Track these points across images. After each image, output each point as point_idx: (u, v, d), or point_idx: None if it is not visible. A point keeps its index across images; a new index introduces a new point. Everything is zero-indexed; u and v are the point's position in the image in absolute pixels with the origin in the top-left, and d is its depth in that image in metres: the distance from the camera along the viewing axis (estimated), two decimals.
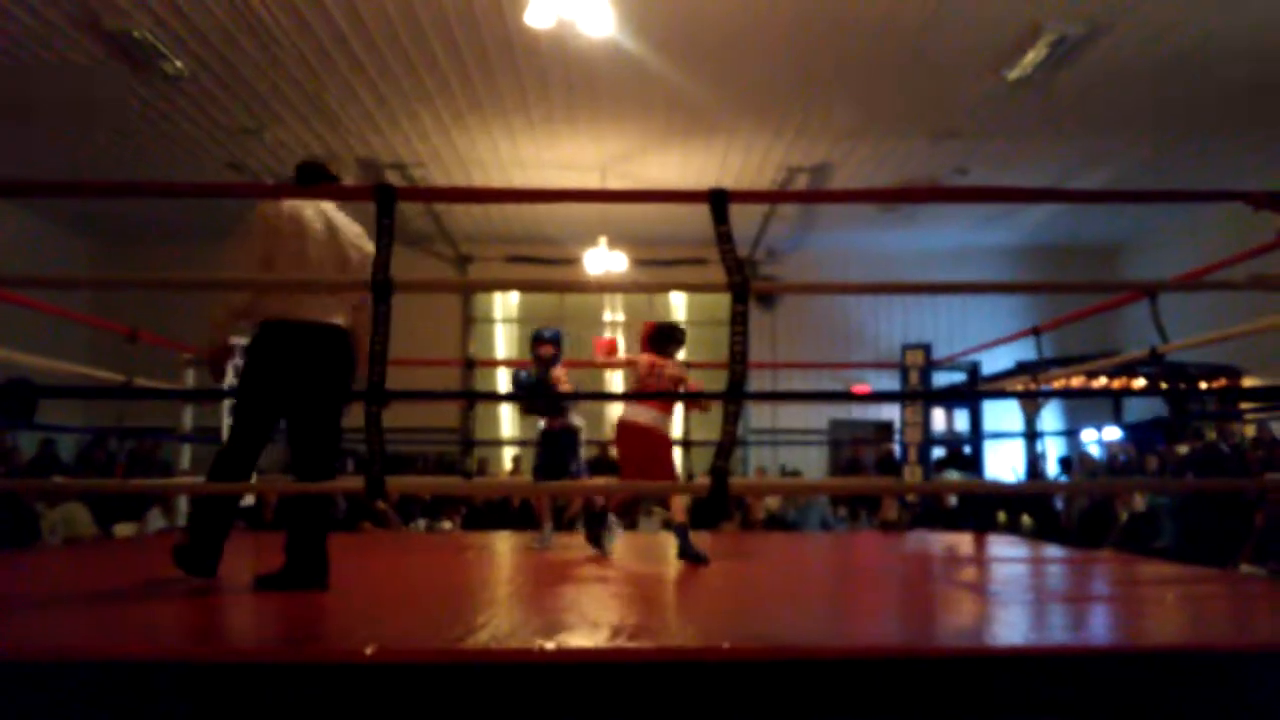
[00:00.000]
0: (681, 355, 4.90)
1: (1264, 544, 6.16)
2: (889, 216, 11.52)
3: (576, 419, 5.23)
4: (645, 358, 4.74)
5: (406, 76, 7.88)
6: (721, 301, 2.80)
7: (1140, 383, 10.12)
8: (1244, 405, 9.77)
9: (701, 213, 2.82)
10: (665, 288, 12.14)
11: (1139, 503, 7.53)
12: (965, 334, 11.98)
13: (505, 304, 13.46)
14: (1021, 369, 9.61)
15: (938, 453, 9.43)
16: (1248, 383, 10.17)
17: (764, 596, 3.43)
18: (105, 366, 6.09)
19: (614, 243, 10.69)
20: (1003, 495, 8.90)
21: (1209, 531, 6.71)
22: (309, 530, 3.25)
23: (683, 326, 5.00)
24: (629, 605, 2.96)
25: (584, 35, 6.65)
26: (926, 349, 6.64)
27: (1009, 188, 9.90)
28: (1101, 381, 10.49)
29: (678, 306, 13.40)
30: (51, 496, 7.60)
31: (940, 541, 5.83)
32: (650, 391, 4.64)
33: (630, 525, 9.44)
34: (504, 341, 13.40)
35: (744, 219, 10.69)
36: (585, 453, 5.42)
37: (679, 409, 6.53)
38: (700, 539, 5.98)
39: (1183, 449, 8.29)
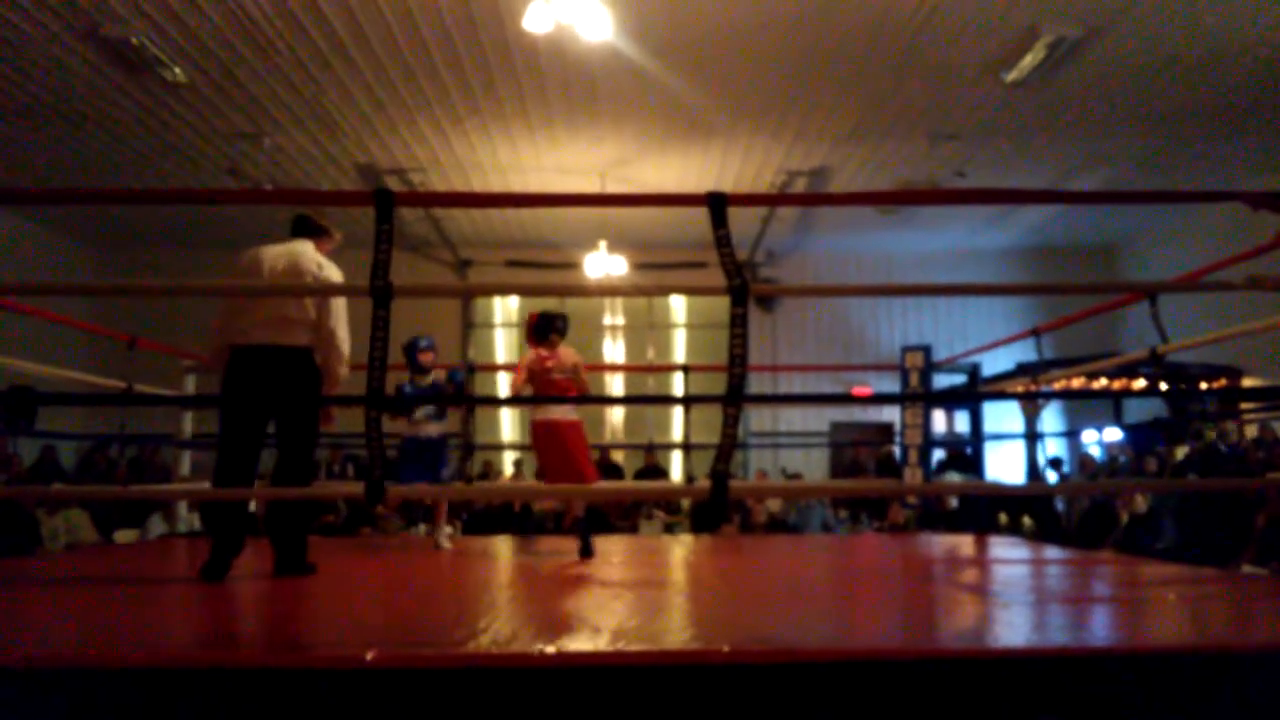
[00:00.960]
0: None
1: (1265, 545, 6.16)
2: (888, 219, 11.53)
3: (439, 427, 5.27)
4: (530, 354, 4.74)
5: (405, 82, 7.89)
6: (721, 304, 2.80)
7: (1140, 383, 10.12)
8: (1244, 405, 9.76)
9: (701, 216, 2.83)
10: (665, 291, 12.15)
11: (1140, 504, 7.53)
12: (965, 335, 12.01)
13: (505, 308, 13.46)
14: (1021, 370, 9.62)
15: (938, 454, 9.44)
16: (1248, 383, 10.18)
17: (764, 599, 3.43)
18: (106, 373, 6.10)
19: (613, 246, 10.70)
20: (1003, 497, 8.90)
21: (1210, 532, 6.70)
22: (288, 529, 3.71)
23: (564, 314, 4.92)
24: (629, 608, 2.95)
25: (582, 40, 6.67)
26: (926, 351, 6.64)
27: (1007, 189, 9.90)
28: (1102, 382, 10.49)
29: (677, 309, 13.42)
30: (52, 503, 7.60)
31: (941, 543, 5.83)
32: (548, 384, 4.69)
33: (631, 529, 9.44)
34: (504, 346, 13.41)
35: (743, 222, 10.70)
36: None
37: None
38: (701, 542, 5.97)
39: (1181, 451, 8.29)
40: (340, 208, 10.24)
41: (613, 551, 5.14)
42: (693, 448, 6.86)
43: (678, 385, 8.59)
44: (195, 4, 6.61)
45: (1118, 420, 9.88)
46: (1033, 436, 6.81)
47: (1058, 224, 11.99)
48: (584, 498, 5.17)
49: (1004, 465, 11.01)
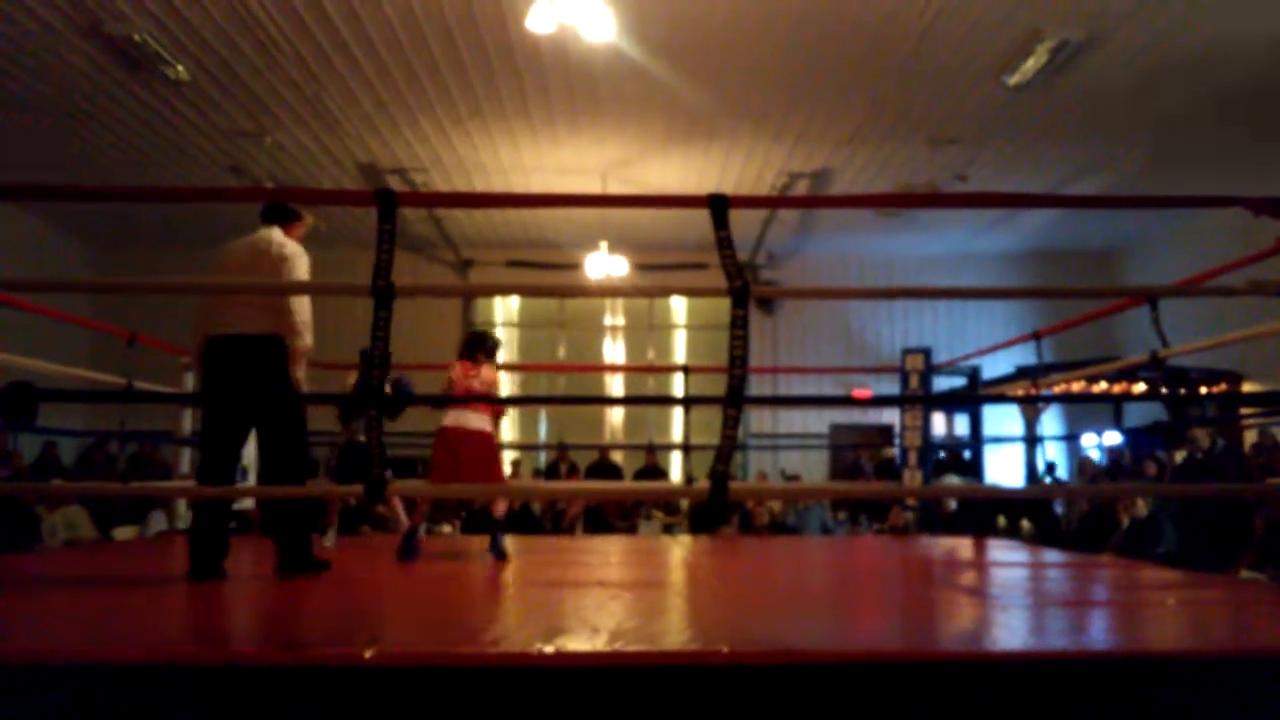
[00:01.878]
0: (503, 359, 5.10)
1: (1264, 549, 6.16)
2: (889, 222, 11.53)
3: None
4: (458, 367, 4.93)
5: (408, 81, 7.89)
6: (722, 306, 2.80)
7: (1140, 387, 10.12)
8: (1244, 410, 9.76)
9: (702, 217, 2.83)
10: (665, 292, 12.17)
11: (1140, 508, 7.53)
12: (965, 338, 12.01)
13: (506, 308, 13.47)
14: (1022, 373, 9.61)
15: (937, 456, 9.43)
16: (1248, 388, 10.18)
17: (763, 601, 3.43)
18: (106, 370, 6.10)
19: (614, 247, 10.70)
20: (1002, 500, 8.89)
21: (1209, 537, 6.70)
22: (287, 527, 3.69)
23: (496, 335, 5.25)
24: (628, 609, 2.96)
25: (585, 40, 6.67)
26: (927, 353, 6.65)
27: (1009, 193, 9.90)
28: (1102, 386, 10.49)
29: (678, 310, 13.42)
30: (52, 499, 7.61)
31: (940, 546, 5.83)
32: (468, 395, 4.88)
33: (630, 529, 9.45)
34: (504, 346, 13.39)
35: (744, 224, 10.70)
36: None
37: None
38: (700, 543, 5.98)
39: (1179, 455, 8.29)
40: (341, 207, 10.28)
41: (611, 552, 5.15)
42: (692, 449, 6.87)
43: (678, 386, 8.61)
44: (197, 1, 6.61)
45: (1118, 424, 9.89)
46: (1032, 440, 6.81)
47: (1059, 228, 11.99)
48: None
49: (1003, 468, 11.01)
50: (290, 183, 10.04)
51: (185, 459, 6.51)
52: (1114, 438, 10.15)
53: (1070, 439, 11.41)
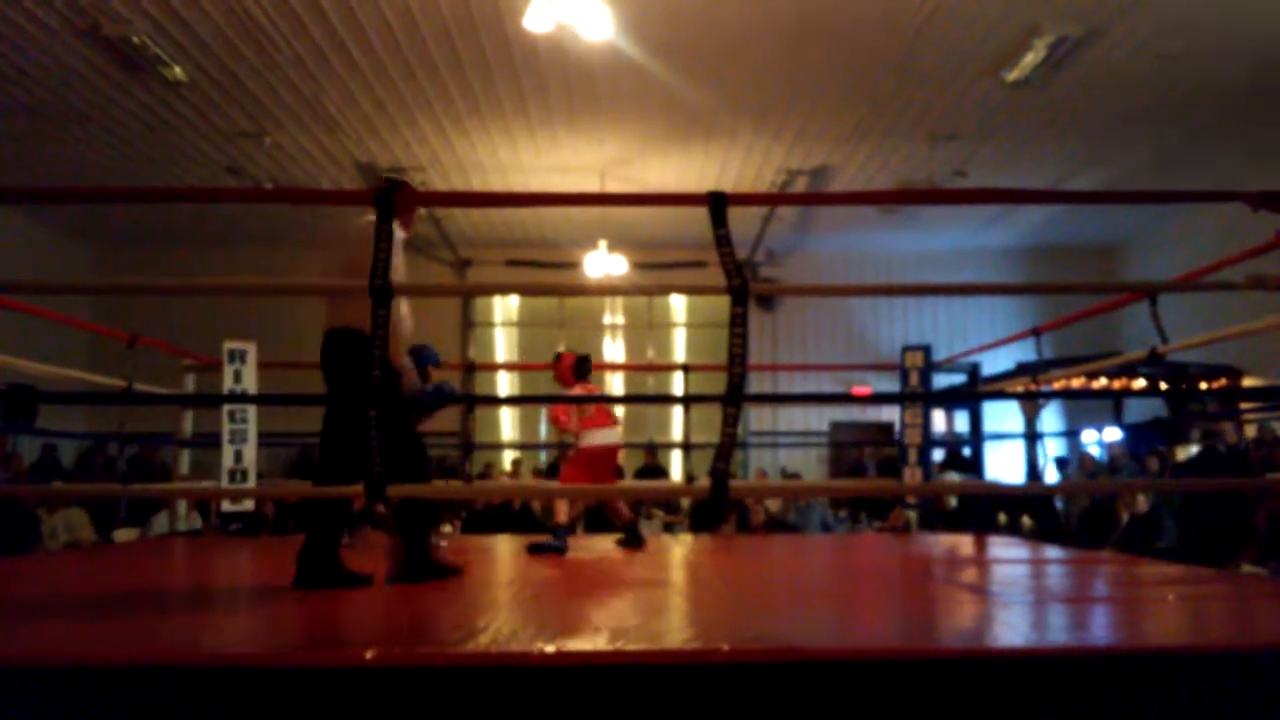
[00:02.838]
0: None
1: (1265, 544, 6.16)
2: (888, 218, 11.53)
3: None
4: (579, 389, 5.18)
5: (405, 81, 7.89)
6: (721, 304, 2.80)
7: (1140, 383, 10.12)
8: (1244, 405, 9.76)
9: (701, 215, 2.83)
10: (665, 290, 12.16)
11: (1141, 504, 7.53)
12: (965, 335, 12.00)
13: (505, 307, 13.46)
14: (1021, 370, 9.61)
15: (937, 454, 9.43)
16: (1248, 383, 10.17)
17: (764, 599, 3.43)
18: (106, 372, 6.10)
19: (614, 246, 10.69)
20: (1003, 496, 8.90)
21: (1210, 532, 6.70)
22: (410, 529, 3.58)
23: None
24: (629, 608, 2.96)
25: (583, 39, 6.66)
26: (926, 350, 6.63)
27: (1008, 189, 9.91)
28: (1102, 382, 10.49)
29: (677, 309, 13.42)
30: (52, 501, 7.61)
31: (941, 543, 5.83)
32: (596, 413, 5.14)
33: None
34: (504, 345, 13.41)
35: (743, 221, 10.69)
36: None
37: None
38: (700, 541, 5.99)
39: (1193, 448, 8.28)
40: (340, 206, 10.25)
41: (611, 551, 5.15)
42: (692, 447, 6.87)
43: (678, 384, 8.61)
44: (196, 2, 6.60)
45: (1118, 420, 9.88)
46: (1032, 436, 6.81)
47: (1058, 224, 11.99)
48: (588, 497, 5.31)
49: (1003, 465, 11.01)
50: (289, 183, 10.03)
51: (185, 461, 6.51)
52: (1114, 434, 10.14)
53: (1070, 435, 11.40)
